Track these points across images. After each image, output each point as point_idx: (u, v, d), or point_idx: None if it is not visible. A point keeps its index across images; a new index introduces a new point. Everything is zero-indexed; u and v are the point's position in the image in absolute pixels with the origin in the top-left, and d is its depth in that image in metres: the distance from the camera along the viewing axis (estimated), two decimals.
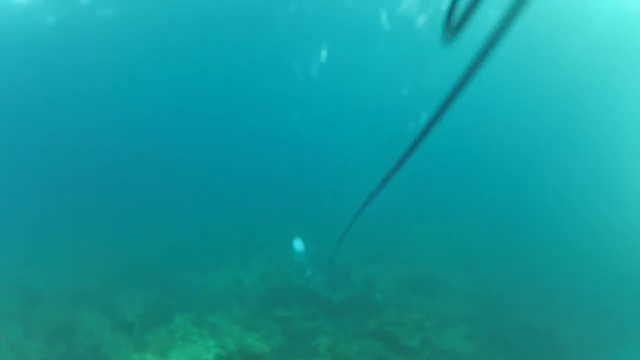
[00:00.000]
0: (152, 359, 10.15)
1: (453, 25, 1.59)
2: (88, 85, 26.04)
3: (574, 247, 14.65)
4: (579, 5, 20.16)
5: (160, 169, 27.04)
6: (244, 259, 15.49)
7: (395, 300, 12.79)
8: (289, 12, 23.47)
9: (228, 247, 16.32)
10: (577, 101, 25.89)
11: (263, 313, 12.61)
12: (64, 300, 12.57)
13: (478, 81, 1.51)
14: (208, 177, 26.46)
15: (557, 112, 26.89)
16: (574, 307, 12.34)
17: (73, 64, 24.35)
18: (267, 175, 24.80)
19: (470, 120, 24.98)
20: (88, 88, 26.27)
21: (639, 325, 11.62)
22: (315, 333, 11.88)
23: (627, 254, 14.27)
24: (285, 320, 12.38)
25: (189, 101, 30.12)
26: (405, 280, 13.77)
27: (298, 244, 12.77)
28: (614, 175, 21.72)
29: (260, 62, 28.33)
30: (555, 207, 18.99)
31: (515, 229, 16.67)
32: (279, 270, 14.39)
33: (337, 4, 23.02)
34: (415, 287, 13.36)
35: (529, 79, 26.94)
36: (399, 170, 2.01)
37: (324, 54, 27.57)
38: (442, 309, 12.17)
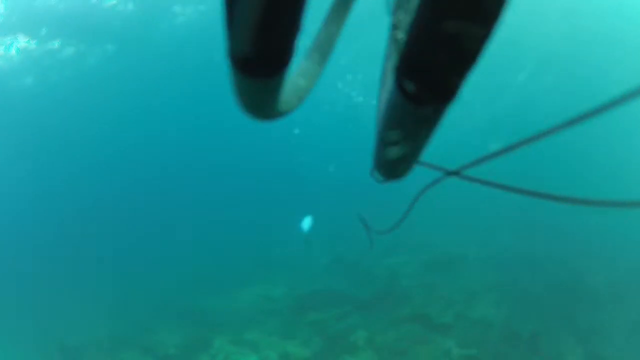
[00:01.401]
0: None
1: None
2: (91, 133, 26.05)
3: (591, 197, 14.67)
4: None
5: (167, 203, 27.14)
6: (267, 275, 15.66)
7: (421, 283, 12.97)
8: None
9: (249, 267, 16.54)
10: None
11: (297, 320, 12.75)
12: (102, 351, 12.63)
13: None
14: (214, 202, 26.63)
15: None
16: (598, 255, 12.45)
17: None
18: (272, 191, 24.97)
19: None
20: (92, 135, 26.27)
21: None
22: (351, 329, 12.01)
23: None
24: (320, 323, 12.51)
25: (197, 132, 29.99)
26: (426, 262, 13.95)
27: (306, 222, 12.82)
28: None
29: None
30: (562, 160, 18.95)
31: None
32: (304, 277, 14.57)
33: None
34: (437, 266, 13.54)
35: None
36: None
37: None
38: (467, 281, 12.34)
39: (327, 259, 16.09)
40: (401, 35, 1.37)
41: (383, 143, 1.31)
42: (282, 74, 0.99)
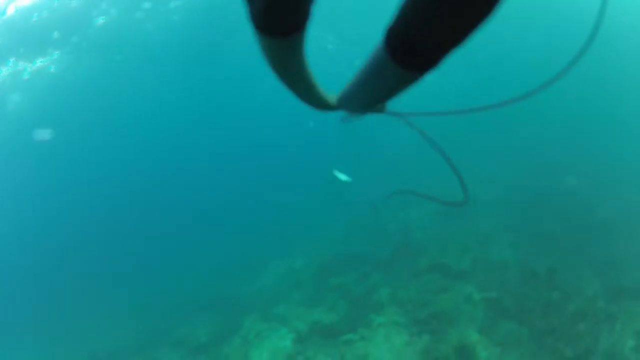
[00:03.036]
0: None
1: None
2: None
3: (592, 130, 14.35)
4: None
5: (181, 196, 27.30)
6: (286, 250, 15.74)
7: (435, 234, 12.98)
8: None
9: (267, 246, 16.65)
10: None
11: (320, 288, 12.92)
12: (134, 351, 12.87)
13: None
14: (228, 191, 26.64)
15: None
16: (608, 187, 12.27)
17: None
18: (284, 171, 24.72)
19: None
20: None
21: None
22: (373, 288, 12.16)
23: None
24: (343, 287, 12.67)
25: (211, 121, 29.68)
26: (437, 212, 13.91)
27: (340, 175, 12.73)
28: None
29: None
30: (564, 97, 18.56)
31: (527, 127, 16.51)
32: (322, 245, 14.65)
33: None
34: (448, 215, 13.49)
35: None
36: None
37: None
38: (480, 225, 12.30)
39: (342, 225, 16.12)
40: None
41: (356, 90, 1.41)
42: (299, 35, 1.04)
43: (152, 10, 19.31)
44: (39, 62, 19.68)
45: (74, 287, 18.28)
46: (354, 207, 16.36)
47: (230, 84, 27.41)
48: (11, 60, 18.63)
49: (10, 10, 15.81)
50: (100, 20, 18.64)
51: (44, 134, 22.51)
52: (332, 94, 1.88)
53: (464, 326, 10.20)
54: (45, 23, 17.20)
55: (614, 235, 10.45)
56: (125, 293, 16.60)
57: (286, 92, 1.53)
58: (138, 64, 21.99)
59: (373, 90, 1.28)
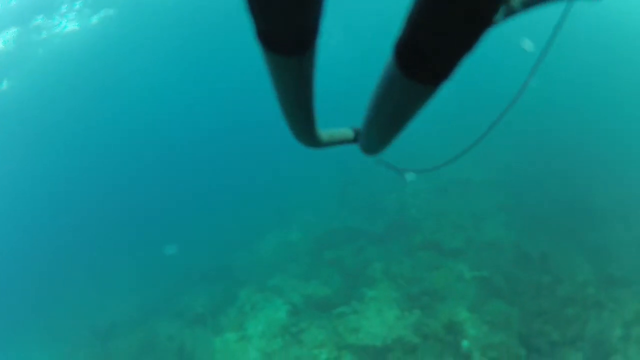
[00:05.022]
0: (233, 336, 10.62)
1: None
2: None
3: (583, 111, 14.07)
4: None
5: (178, 169, 27.01)
6: (282, 222, 15.67)
7: (429, 211, 12.89)
8: None
9: (264, 217, 16.54)
10: None
11: (316, 261, 12.93)
12: (134, 324, 12.92)
13: None
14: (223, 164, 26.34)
15: None
16: (602, 172, 12.08)
17: None
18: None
19: None
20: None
21: None
22: (368, 262, 12.17)
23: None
24: (338, 261, 12.68)
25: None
26: (432, 190, 13.77)
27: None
28: None
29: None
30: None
31: (527, 110, 16.15)
32: (318, 218, 14.58)
33: None
34: (443, 193, 13.37)
35: None
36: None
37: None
38: (474, 205, 12.19)
39: (337, 199, 16.01)
40: None
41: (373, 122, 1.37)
42: (306, 54, 0.98)
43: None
44: None
45: (73, 262, 18.28)
46: (350, 173, 16.10)
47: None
48: None
49: None
50: None
51: None
52: (323, 131, 1.81)
53: (455, 303, 10.26)
54: None
55: (609, 222, 10.36)
56: (125, 267, 16.59)
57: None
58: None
59: (389, 115, 1.25)
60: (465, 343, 9.24)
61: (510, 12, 1.67)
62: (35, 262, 20.59)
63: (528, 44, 11.11)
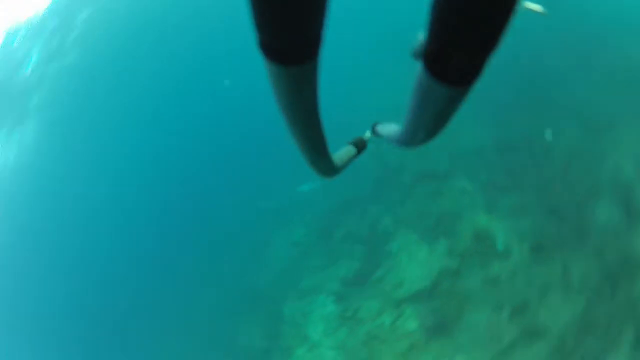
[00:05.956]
0: (303, 350, 10.79)
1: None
2: None
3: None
4: None
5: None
6: (280, 223, 15.17)
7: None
8: None
9: (258, 227, 16.01)
10: None
11: (330, 245, 12.99)
12: None
13: None
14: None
15: None
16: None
17: None
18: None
19: None
20: None
21: None
22: (376, 221, 12.45)
23: None
24: (349, 234, 12.85)
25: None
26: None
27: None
28: None
29: None
30: None
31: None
32: (311, 208, 14.44)
33: None
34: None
35: None
36: None
37: None
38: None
39: (318, 182, 15.91)
40: None
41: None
42: (311, 62, 1.00)
43: None
44: None
45: None
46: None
47: None
48: None
49: None
50: None
51: None
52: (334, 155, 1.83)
53: (471, 215, 10.74)
54: None
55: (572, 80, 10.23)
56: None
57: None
58: None
59: (434, 119, 1.30)
60: (499, 243, 9.78)
61: None
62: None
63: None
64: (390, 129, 2.05)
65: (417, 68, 1.09)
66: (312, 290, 12.20)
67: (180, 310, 15.52)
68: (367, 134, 2.86)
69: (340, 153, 2.36)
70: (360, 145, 2.60)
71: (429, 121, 1.32)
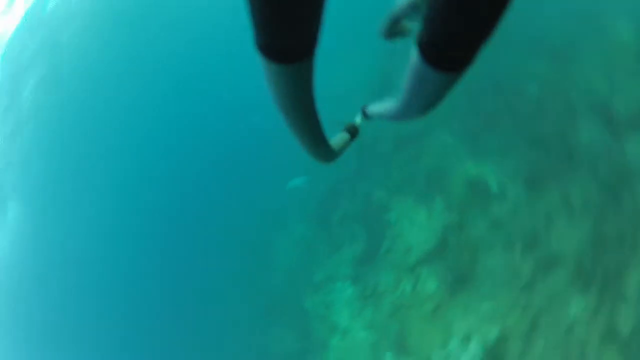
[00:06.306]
0: (336, 339, 10.88)
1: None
2: None
3: None
4: None
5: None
6: (277, 224, 15.09)
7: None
8: None
9: (255, 231, 15.90)
10: None
11: (330, 231, 13.05)
12: None
13: None
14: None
15: None
16: None
17: None
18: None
19: None
20: None
21: None
22: (368, 197, 12.51)
23: None
24: (346, 216, 12.92)
25: None
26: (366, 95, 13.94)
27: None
28: None
29: None
30: None
31: None
32: (303, 200, 14.38)
33: None
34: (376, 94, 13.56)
35: None
36: None
37: None
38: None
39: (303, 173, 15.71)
40: None
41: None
42: (307, 62, 1.02)
43: None
44: None
45: None
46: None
47: None
48: None
49: None
50: None
51: None
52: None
53: (458, 166, 10.88)
54: None
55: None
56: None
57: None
58: None
59: (428, 100, 1.35)
60: (493, 186, 9.97)
61: None
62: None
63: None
64: (382, 107, 2.06)
65: (411, 54, 1.14)
66: (327, 280, 12.27)
67: (205, 329, 15.46)
68: (358, 119, 2.85)
69: (336, 139, 2.40)
70: (352, 131, 2.61)
71: (425, 101, 1.37)
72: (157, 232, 21.02)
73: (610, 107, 7.19)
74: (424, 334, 9.21)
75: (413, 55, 1.10)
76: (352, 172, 13.31)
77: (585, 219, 7.14)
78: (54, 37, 23.67)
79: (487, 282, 9.03)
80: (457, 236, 10.42)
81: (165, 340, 16.84)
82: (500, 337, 7.45)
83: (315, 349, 11.07)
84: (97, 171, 22.29)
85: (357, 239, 12.47)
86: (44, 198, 22.33)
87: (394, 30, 1.81)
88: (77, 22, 23.42)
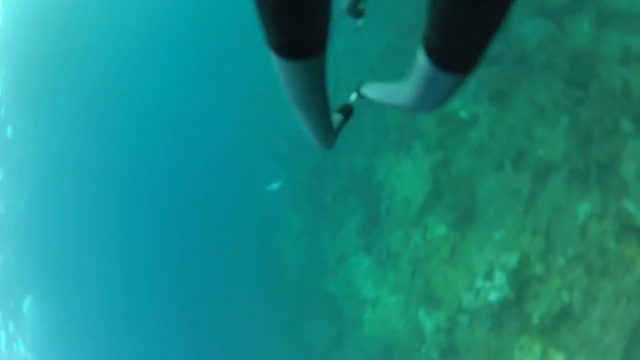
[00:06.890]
0: (369, 312, 10.79)
1: None
2: None
3: None
4: None
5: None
6: (276, 224, 14.87)
7: (349, 86, 12.79)
8: None
9: (257, 234, 15.76)
10: None
11: (328, 213, 12.88)
12: None
13: None
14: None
15: None
16: None
17: None
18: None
19: None
20: None
21: None
22: (361, 172, 12.27)
23: None
24: (340, 193, 12.70)
25: None
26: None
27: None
28: None
29: None
30: None
31: None
32: (297, 196, 14.13)
33: None
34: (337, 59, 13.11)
35: None
36: None
37: None
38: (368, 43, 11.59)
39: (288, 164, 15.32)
40: None
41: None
42: (319, 57, 1.02)
43: None
44: None
45: None
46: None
47: None
48: None
49: None
50: None
51: None
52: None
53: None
54: None
55: None
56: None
57: None
58: None
59: (439, 97, 1.35)
60: (462, 113, 9.71)
61: None
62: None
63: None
64: (383, 91, 2.01)
65: (417, 57, 1.15)
66: (341, 259, 12.12)
67: (242, 338, 15.44)
68: (353, 97, 2.74)
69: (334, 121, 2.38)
70: (346, 111, 2.59)
71: (435, 101, 1.39)
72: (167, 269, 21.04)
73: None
74: (448, 281, 9.09)
75: (420, 59, 1.12)
76: (339, 147, 12.95)
77: (561, 116, 6.90)
78: None
79: (491, 209, 8.88)
80: (446, 173, 10.21)
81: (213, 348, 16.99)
82: (521, 262, 7.32)
83: (351, 328, 11.01)
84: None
85: (355, 211, 12.28)
86: None
87: (353, 9, 2.02)
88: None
